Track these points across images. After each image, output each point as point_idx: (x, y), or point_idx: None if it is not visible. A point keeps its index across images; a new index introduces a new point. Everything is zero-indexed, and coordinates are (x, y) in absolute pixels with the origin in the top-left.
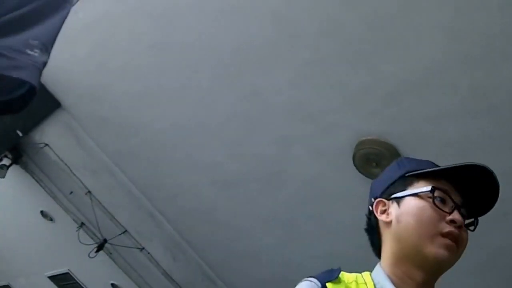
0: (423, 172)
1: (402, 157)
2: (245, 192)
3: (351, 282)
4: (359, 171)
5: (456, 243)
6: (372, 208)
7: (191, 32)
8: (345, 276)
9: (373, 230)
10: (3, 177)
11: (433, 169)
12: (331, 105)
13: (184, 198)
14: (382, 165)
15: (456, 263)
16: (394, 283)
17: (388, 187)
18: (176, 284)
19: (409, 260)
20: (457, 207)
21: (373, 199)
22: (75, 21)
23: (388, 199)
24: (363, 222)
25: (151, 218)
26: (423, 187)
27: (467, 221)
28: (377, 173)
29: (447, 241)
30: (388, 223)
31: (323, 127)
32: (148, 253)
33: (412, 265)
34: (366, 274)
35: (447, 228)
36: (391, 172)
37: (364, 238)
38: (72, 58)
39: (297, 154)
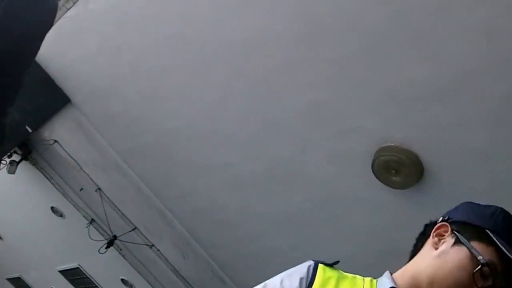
0: (496, 244)
1: (503, 209)
2: (258, 193)
3: (347, 275)
4: (378, 178)
5: None
6: (438, 224)
7: (207, 26)
8: (342, 271)
9: (422, 236)
10: (13, 173)
11: (507, 252)
12: (352, 108)
13: (194, 197)
14: (401, 173)
15: None
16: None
17: (464, 222)
18: (185, 281)
19: (426, 281)
20: None
21: (447, 217)
22: (86, 12)
23: (452, 231)
24: (378, 229)
25: (161, 216)
26: (481, 254)
27: None
28: (396, 181)
29: None
30: (434, 248)
31: (342, 130)
32: (158, 250)
33: (427, 284)
34: (367, 278)
35: None
36: (481, 213)
37: (379, 245)
38: (83, 52)
39: (314, 157)
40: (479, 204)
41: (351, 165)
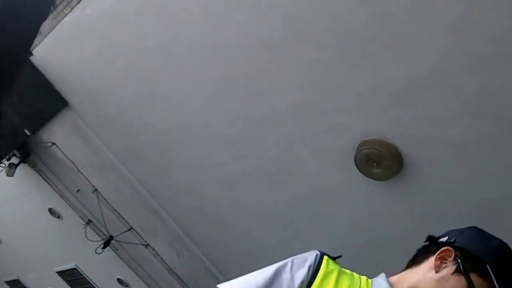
0: (493, 283)
1: (508, 245)
2: (248, 192)
3: (346, 271)
4: (360, 171)
5: None
6: (440, 244)
7: (198, 31)
8: (342, 268)
9: (424, 254)
10: (12, 175)
11: None
12: (335, 105)
13: (188, 197)
14: (382, 165)
15: None
16: None
17: (468, 251)
18: (179, 280)
19: None
20: None
21: (451, 240)
22: (83, 18)
23: (455, 257)
24: (362, 221)
25: (156, 216)
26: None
27: None
28: (377, 173)
29: None
30: (435, 271)
31: (326, 127)
32: (153, 249)
33: None
34: (363, 276)
35: None
36: (486, 245)
37: (363, 237)
38: (80, 57)
39: (300, 154)
40: (485, 233)
41: (335, 160)
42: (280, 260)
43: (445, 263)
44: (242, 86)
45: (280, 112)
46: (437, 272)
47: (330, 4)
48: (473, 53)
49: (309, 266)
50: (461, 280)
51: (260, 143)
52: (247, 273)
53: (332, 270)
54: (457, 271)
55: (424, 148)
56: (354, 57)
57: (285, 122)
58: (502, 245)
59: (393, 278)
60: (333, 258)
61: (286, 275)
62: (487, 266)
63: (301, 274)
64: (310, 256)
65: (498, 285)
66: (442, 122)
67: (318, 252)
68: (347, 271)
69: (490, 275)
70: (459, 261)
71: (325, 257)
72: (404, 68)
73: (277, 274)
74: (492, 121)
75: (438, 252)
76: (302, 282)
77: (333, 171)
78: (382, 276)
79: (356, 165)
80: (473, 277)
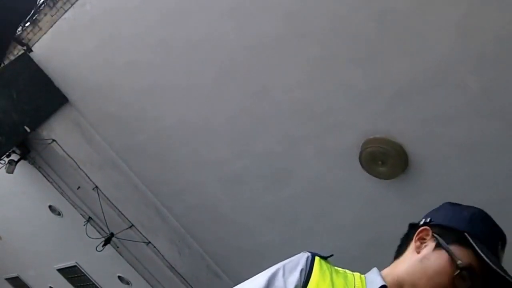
0: (476, 251)
1: (483, 211)
2: (250, 189)
3: (339, 269)
4: (365, 170)
5: None
6: (418, 227)
7: (200, 28)
8: (335, 267)
9: (406, 241)
10: (12, 172)
11: (488, 261)
12: (339, 103)
13: (190, 194)
14: (387, 164)
15: None
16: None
17: (444, 226)
18: (180, 277)
19: (410, 286)
20: None
21: (427, 220)
22: (82, 14)
23: (433, 234)
24: (366, 220)
25: (157, 213)
26: (460, 258)
27: None
28: (383, 172)
29: None
30: (417, 252)
31: (330, 125)
32: (154, 247)
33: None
34: (355, 273)
35: None
36: (460, 216)
37: (366, 236)
38: (80, 53)
39: (303, 152)
40: (459, 205)
41: (339, 158)
42: (281, 257)
43: (425, 242)
44: (243, 83)
45: (282, 110)
46: (418, 253)
47: (333, 2)
48: (478, 52)
49: (301, 270)
50: (442, 255)
51: (261, 141)
52: (249, 269)
53: (325, 271)
54: (437, 246)
55: (429, 146)
56: (358, 55)
57: (288, 120)
58: (476, 211)
59: (384, 272)
60: (325, 258)
61: (278, 283)
62: (465, 234)
63: (293, 279)
64: (301, 259)
65: (480, 250)
66: (447, 120)
67: (309, 254)
68: (340, 269)
69: (470, 242)
70: (436, 236)
71: (317, 258)
72: (408, 66)
73: (269, 284)
74: (497, 120)
75: (416, 234)
76: (296, 287)
77: (337, 169)
78: (374, 270)
79: (361, 164)
80: (454, 248)
